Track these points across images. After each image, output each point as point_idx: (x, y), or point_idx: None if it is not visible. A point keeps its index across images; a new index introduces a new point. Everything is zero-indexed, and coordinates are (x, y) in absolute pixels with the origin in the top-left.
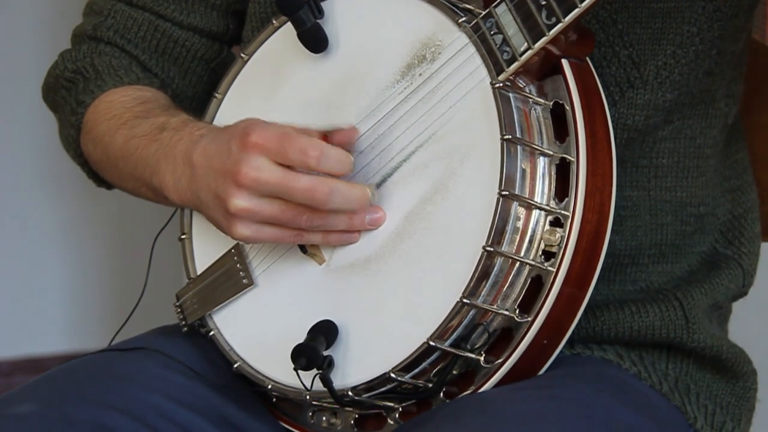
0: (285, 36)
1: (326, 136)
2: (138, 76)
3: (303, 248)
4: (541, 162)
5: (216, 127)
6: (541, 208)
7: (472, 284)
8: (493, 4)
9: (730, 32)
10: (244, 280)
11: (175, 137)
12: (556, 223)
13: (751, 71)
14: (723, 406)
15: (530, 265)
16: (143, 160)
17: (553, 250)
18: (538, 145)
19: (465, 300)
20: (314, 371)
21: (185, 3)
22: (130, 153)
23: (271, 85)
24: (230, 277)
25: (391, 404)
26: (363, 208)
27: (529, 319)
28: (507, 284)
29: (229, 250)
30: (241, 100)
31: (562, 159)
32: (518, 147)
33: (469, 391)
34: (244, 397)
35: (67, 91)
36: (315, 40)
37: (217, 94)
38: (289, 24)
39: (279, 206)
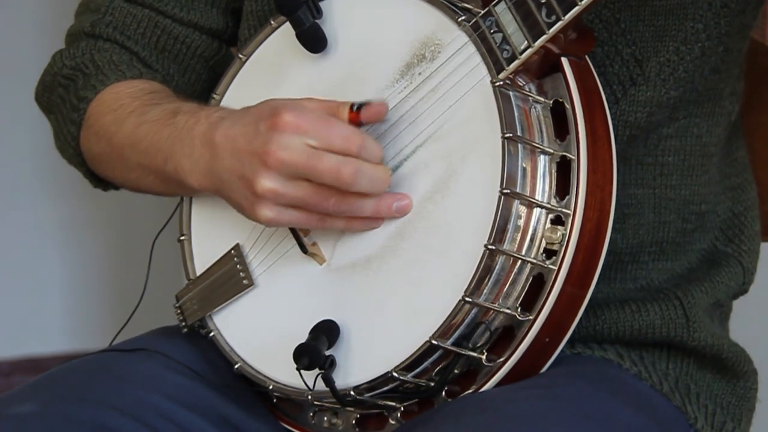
0: (283, 36)
1: (356, 113)
2: (140, 71)
3: (303, 248)
4: (542, 160)
5: (233, 109)
6: (542, 206)
7: (473, 283)
8: (493, 3)
9: (737, 29)
10: (244, 281)
11: (192, 120)
12: (557, 221)
13: (750, 71)
14: (723, 406)
15: (532, 263)
16: (155, 145)
17: (555, 248)
18: (538, 144)
19: (467, 298)
20: (316, 371)
21: (185, 0)
22: (139, 139)
23: (269, 85)
24: (230, 278)
25: (393, 404)
26: (384, 189)
27: (531, 317)
28: (509, 282)
29: (229, 251)
30: (239, 101)
31: (563, 157)
32: (519, 145)
33: (470, 390)
34: (245, 398)
35: (65, 89)
36: (314, 40)
37: (215, 95)
38: (287, 24)
39: (306, 189)
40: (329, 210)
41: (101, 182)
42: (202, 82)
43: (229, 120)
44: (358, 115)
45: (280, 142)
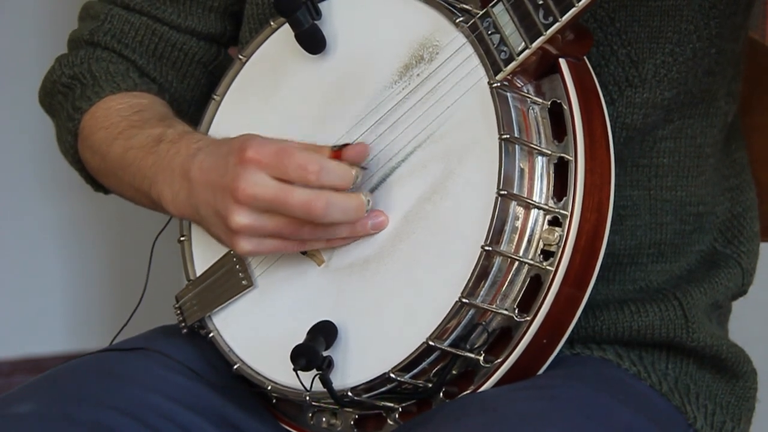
0: (283, 37)
1: (338, 152)
2: (135, 82)
3: None
4: (540, 161)
5: (213, 139)
6: (539, 208)
7: (471, 284)
8: (491, 4)
9: (728, 30)
10: (243, 282)
11: (172, 150)
12: (555, 222)
13: (750, 71)
14: (723, 406)
15: (529, 264)
16: (141, 171)
17: (552, 249)
18: (536, 145)
19: (464, 299)
20: (314, 372)
21: (182, 6)
22: (128, 164)
23: (269, 86)
24: (230, 279)
25: (391, 404)
26: (360, 216)
27: (529, 318)
28: (506, 284)
29: (229, 252)
30: (239, 102)
31: (561, 158)
32: (516, 146)
33: (468, 391)
34: (244, 398)
35: (63, 97)
36: (313, 41)
37: (215, 96)
38: (286, 25)
39: (280, 221)
40: (304, 237)
41: (101, 187)
42: (201, 86)
43: (204, 152)
44: (338, 154)
45: (248, 178)
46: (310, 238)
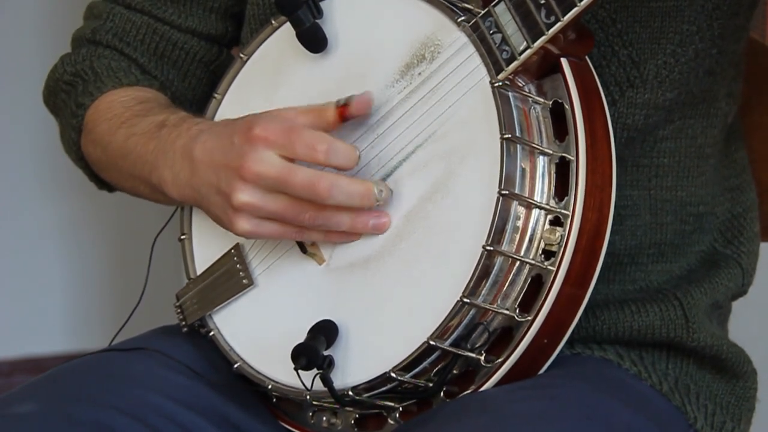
0: (284, 36)
1: (344, 107)
2: (137, 78)
3: (303, 248)
4: (541, 161)
5: (214, 122)
6: (540, 207)
7: (472, 283)
8: (492, 4)
9: (730, 31)
10: (244, 280)
11: (174, 133)
12: (556, 222)
13: (750, 71)
14: (723, 406)
15: (530, 264)
16: (142, 157)
17: (553, 249)
18: (537, 144)
19: (465, 299)
20: (314, 371)
21: (183, 6)
22: (129, 151)
23: (270, 85)
24: (230, 277)
25: (392, 404)
26: (367, 203)
27: (530, 318)
28: (507, 283)
29: (229, 251)
30: (240, 101)
31: (562, 158)
32: (518, 146)
33: (469, 391)
34: (245, 397)
35: (66, 95)
36: (314, 40)
37: (216, 95)
38: (288, 24)
39: (283, 202)
40: (305, 223)
41: (105, 185)
42: (203, 86)
43: (207, 133)
44: (345, 108)
45: (254, 156)
46: (310, 225)
